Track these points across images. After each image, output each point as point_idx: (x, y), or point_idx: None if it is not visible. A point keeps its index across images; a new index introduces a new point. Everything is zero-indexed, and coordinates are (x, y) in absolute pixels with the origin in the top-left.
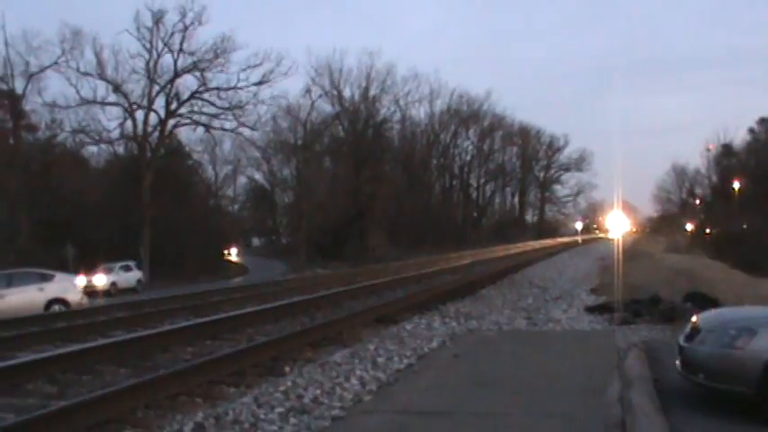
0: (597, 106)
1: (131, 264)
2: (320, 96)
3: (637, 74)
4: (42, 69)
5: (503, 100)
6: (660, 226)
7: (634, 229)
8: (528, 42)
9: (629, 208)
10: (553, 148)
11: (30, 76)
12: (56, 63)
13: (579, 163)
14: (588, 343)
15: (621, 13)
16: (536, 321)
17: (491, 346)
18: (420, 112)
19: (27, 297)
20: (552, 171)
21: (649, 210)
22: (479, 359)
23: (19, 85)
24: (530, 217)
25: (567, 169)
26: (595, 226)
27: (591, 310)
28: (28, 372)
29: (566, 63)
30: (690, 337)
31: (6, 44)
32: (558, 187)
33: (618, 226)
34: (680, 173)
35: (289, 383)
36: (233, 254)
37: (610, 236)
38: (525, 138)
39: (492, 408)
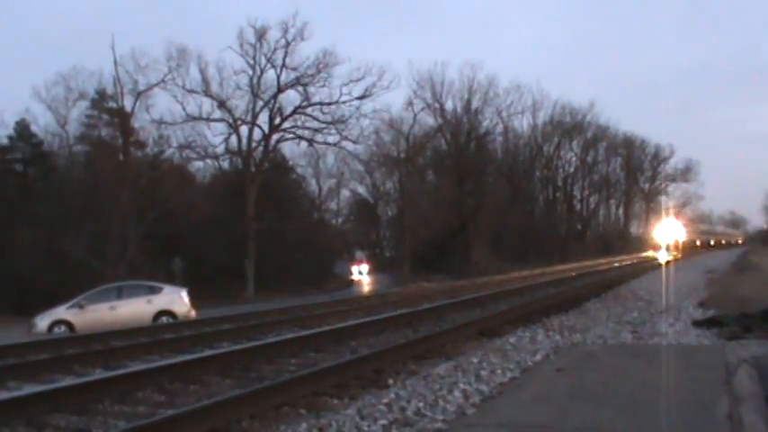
0: (703, 115)
1: None
2: (422, 109)
3: (745, 82)
4: (150, 87)
5: (606, 110)
6: None
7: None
8: (631, 52)
9: (736, 219)
10: (658, 158)
11: (138, 95)
12: (163, 81)
13: (685, 173)
14: (696, 357)
15: (729, 20)
16: (641, 335)
17: (595, 359)
18: (523, 124)
19: (136, 309)
20: (657, 182)
21: (759, 221)
22: (583, 373)
23: (128, 104)
24: (635, 229)
25: (673, 180)
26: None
27: (698, 323)
28: (138, 381)
29: (670, 72)
30: None
31: (116, 64)
32: (663, 198)
33: (666, 236)
34: None
35: (392, 395)
36: (363, 271)
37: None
38: (629, 148)
39: (596, 422)
